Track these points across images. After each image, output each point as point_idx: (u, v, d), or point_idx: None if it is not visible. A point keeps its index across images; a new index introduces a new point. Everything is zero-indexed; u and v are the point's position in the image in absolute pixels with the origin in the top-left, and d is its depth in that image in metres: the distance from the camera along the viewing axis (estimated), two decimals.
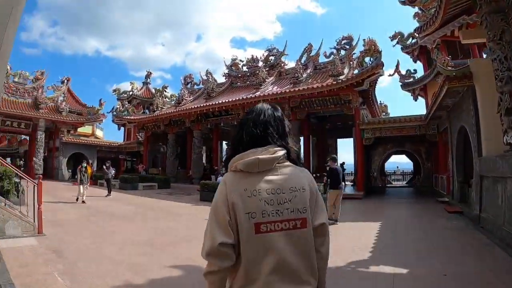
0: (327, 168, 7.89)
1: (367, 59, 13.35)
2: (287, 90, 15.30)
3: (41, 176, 6.36)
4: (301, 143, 15.83)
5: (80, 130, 27.27)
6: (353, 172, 18.48)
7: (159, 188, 17.04)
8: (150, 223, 7.49)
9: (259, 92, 16.71)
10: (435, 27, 7.82)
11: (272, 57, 20.77)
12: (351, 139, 15.88)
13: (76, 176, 11.72)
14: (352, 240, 5.65)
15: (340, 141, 21.79)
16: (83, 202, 10.46)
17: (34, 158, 21.87)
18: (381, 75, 13.19)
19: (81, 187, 10.76)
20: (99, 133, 32.85)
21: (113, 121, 27.62)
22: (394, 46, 18.53)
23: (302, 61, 18.94)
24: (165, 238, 5.79)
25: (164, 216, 8.55)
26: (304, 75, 16.67)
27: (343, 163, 22.66)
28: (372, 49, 13.00)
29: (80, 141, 25.12)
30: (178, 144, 21.93)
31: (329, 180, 7.49)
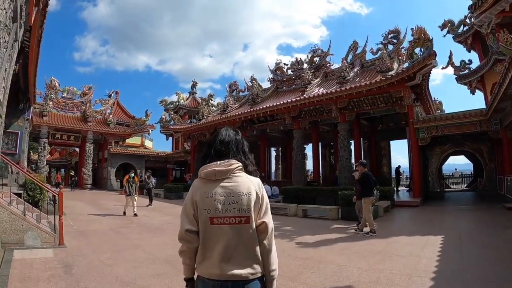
0: (357, 175, 7.34)
1: (417, 50, 12.29)
2: (333, 90, 14.43)
3: (61, 186, 6.22)
4: (352, 146, 15.04)
5: (129, 141, 28.74)
6: (408, 176, 16.95)
7: None
8: None
9: (305, 95, 16.03)
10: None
11: (316, 58, 20.17)
12: (405, 141, 15.29)
13: (124, 187, 11.15)
14: (409, 262, 4.56)
15: (393, 143, 20.35)
16: (135, 215, 9.78)
17: (83, 169, 23.44)
18: (434, 66, 11.93)
19: (129, 199, 10.24)
20: (148, 143, 34.59)
21: (161, 131, 28.38)
22: (444, 36, 16.94)
23: (348, 59, 18.05)
24: None
25: None
26: (351, 74, 15.80)
27: (399, 166, 20.47)
28: (421, 38, 11.89)
29: (128, 151, 26.22)
30: None
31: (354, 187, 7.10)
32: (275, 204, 11.73)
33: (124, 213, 9.98)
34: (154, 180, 14.57)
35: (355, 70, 16.51)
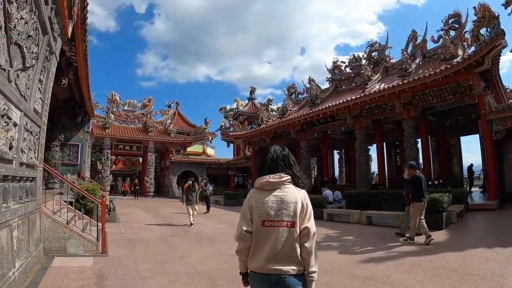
0: (405, 178, 7.07)
1: (482, 31, 11.34)
2: (395, 84, 13.48)
3: (105, 194, 6.48)
4: (419, 145, 14.04)
5: (190, 149, 30.21)
6: (479, 176, 15.84)
7: None
8: (232, 246, 6.68)
9: (365, 92, 15.23)
10: None
11: (375, 53, 19.37)
12: (475, 137, 14.71)
13: (182, 195, 10.91)
14: (492, 284, 3.73)
15: (463, 140, 18.32)
16: (191, 224, 9.46)
17: (146, 177, 25.19)
18: (504, 47, 10.50)
19: (189, 207, 9.80)
20: (210, 151, 36.06)
21: (221, 138, 29.52)
22: (510, 14, 14.37)
23: (408, 51, 17.06)
24: (236, 271, 4.82)
25: None
26: (413, 66, 14.92)
27: (471, 165, 18.54)
28: (486, 17, 10.87)
29: (189, 159, 27.61)
30: None
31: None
32: (336, 210, 11.17)
33: (191, 224, 9.47)
34: (211, 187, 14.95)
35: (417, 61, 15.57)
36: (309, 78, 22.57)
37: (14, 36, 3.17)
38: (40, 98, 4.70)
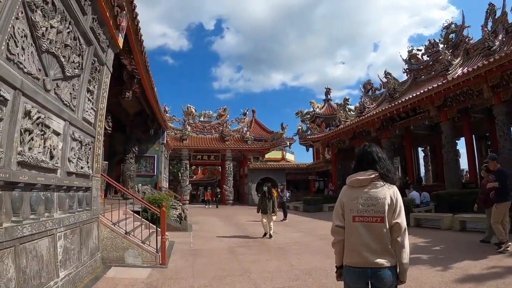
0: (485, 174, 6.50)
1: None
2: (481, 65, 11.78)
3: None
4: None
5: (269, 155, 30.68)
6: None
7: None
8: (304, 259, 6.11)
9: (448, 78, 13.75)
10: None
11: (452, 35, 17.95)
12: None
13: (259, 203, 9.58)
14: None
15: None
16: (270, 236, 8.69)
17: (225, 186, 26.13)
18: None
19: (265, 217, 8.89)
20: (289, 156, 36.36)
21: (299, 142, 29.50)
22: None
23: (488, 27, 15.26)
24: None
25: (328, 248, 7.01)
26: (496, 43, 13.37)
27: None
28: None
29: (267, 166, 27.96)
30: None
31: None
32: (424, 215, 10.09)
33: (264, 234, 8.88)
34: (288, 194, 14.85)
35: (500, 37, 13.87)
36: (385, 71, 21.68)
37: (44, 45, 3.27)
38: (92, 108, 4.95)
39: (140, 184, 12.10)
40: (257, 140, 28.45)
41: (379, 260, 1.71)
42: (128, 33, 6.68)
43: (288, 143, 29.22)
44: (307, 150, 31.35)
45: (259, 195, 23.59)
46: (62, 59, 3.73)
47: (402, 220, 1.75)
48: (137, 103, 11.56)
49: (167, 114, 25.98)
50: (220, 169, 30.51)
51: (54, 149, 3.58)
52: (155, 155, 15.57)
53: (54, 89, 3.67)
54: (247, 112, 30.76)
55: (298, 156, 38.91)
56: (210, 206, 24.02)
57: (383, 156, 1.94)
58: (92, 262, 4.64)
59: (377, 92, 23.59)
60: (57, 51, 3.59)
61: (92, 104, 4.97)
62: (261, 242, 8.18)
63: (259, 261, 6.05)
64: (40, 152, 3.27)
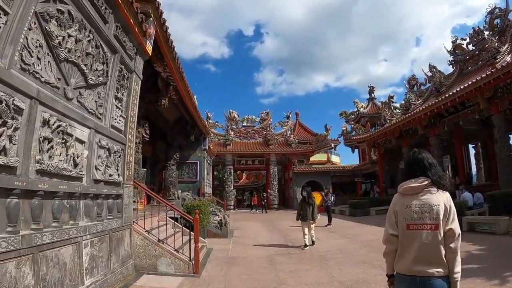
0: None
1: None
2: None
3: (197, 212, 6.40)
4: None
5: (314, 158, 30.32)
6: None
7: None
8: (346, 269, 5.73)
9: (497, 66, 12.57)
10: None
11: (497, 20, 16.68)
12: None
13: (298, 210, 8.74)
14: None
15: None
16: (312, 243, 8.08)
17: (269, 190, 26.01)
18: None
19: (305, 225, 8.15)
20: (335, 159, 35.73)
21: (344, 144, 29.13)
22: None
23: None
24: None
25: (373, 257, 6.49)
26: None
27: None
28: None
29: (312, 169, 27.50)
30: None
31: None
32: (478, 218, 9.43)
33: (305, 245, 8.00)
34: (332, 197, 14.57)
35: None
36: (429, 65, 20.76)
37: (62, 54, 3.36)
38: (121, 115, 5.07)
39: (180, 191, 12.39)
40: (301, 143, 28.21)
41: (430, 269, 1.72)
42: (158, 40, 6.81)
43: (332, 145, 28.86)
44: (353, 151, 30.88)
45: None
46: (84, 68, 3.84)
47: (455, 226, 1.78)
48: (176, 110, 11.87)
49: (210, 121, 26.83)
50: (264, 174, 30.66)
51: (77, 157, 3.66)
52: (197, 161, 15.89)
53: (77, 97, 3.78)
54: (290, 115, 30.53)
55: (343, 158, 38.30)
56: (256, 211, 23.96)
57: (433, 162, 1.94)
58: (123, 270, 4.70)
59: (423, 87, 22.86)
60: (78, 60, 3.68)
61: (121, 111, 5.10)
62: (302, 250, 7.83)
63: (298, 271, 5.75)
64: (61, 160, 3.35)
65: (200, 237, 8.06)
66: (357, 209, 16.39)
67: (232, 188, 26.26)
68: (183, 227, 8.01)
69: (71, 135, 3.56)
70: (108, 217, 4.46)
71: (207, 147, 16.80)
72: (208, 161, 18.46)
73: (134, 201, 7.92)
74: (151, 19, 5.97)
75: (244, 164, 28.39)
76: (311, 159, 29.89)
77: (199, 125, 14.41)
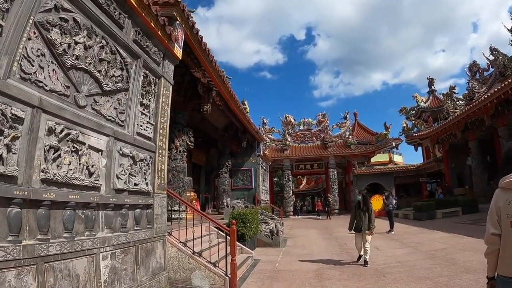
0: None
1: None
2: None
3: (234, 223, 6.01)
4: None
5: (375, 159, 29.42)
6: None
7: (463, 214, 14.82)
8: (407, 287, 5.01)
9: None
10: None
11: None
12: None
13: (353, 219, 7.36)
14: None
15: None
16: (365, 263, 6.65)
17: (329, 195, 25.35)
18: None
19: (358, 237, 7.05)
20: (397, 158, 34.47)
21: (406, 142, 28.08)
22: None
23: None
24: None
25: (438, 272, 5.60)
26: None
27: None
28: None
29: (373, 170, 26.34)
30: (484, 151, 19.22)
31: None
32: None
33: (358, 257, 7.11)
34: (394, 201, 13.60)
35: None
36: (490, 48, 19.98)
37: (69, 61, 3.42)
38: (149, 122, 5.11)
39: (229, 199, 12.38)
40: (360, 144, 27.67)
41: None
42: (191, 44, 6.85)
43: (393, 143, 27.97)
44: (416, 149, 29.54)
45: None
46: (97, 74, 3.89)
47: None
48: (223, 116, 11.96)
49: (266, 126, 27.91)
50: (324, 178, 30.33)
51: (92, 166, 3.68)
52: (252, 168, 16.00)
53: (91, 104, 3.83)
54: (348, 116, 29.96)
55: (406, 157, 37.16)
56: (320, 217, 23.13)
57: None
58: (154, 282, 4.65)
59: (485, 73, 22.17)
60: (89, 66, 3.74)
61: (149, 118, 5.13)
62: (356, 263, 7.05)
63: None
64: (71, 170, 3.38)
65: (247, 248, 7.89)
66: (422, 212, 15.25)
67: (291, 194, 26.24)
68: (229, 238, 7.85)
69: (83, 143, 3.60)
70: (135, 227, 4.46)
71: (261, 153, 16.81)
72: (264, 167, 18.39)
73: (176, 210, 8.07)
74: (178, 22, 6.00)
75: (303, 169, 28.33)
76: (372, 160, 29.17)
77: (250, 131, 14.36)
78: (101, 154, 3.92)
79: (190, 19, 6.35)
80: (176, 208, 8.76)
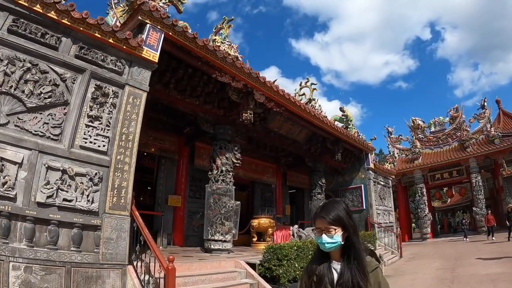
0: None
1: None
2: None
3: (171, 259, 5.35)
4: None
5: None
6: None
7: None
8: None
9: None
10: None
11: None
12: None
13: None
14: None
15: None
16: None
17: (474, 208, 23.21)
18: None
19: None
20: None
21: None
22: None
23: None
24: None
25: None
26: None
27: None
28: None
29: None
30: None
31: None
32: None
33: None
34: None
35: None
36: None
37: None
38: (99, 134, 5.64)
39: (296, 226, 11.82)
40: (506, 136, 23.99)
41: None
42: (185, 46, 7.39)
43: None
44: None
45: None
46: (20, 94, 4.91)
47: None
48: (296, 126, 11.91)
49: (392, 136, 28.86)
50: (468, 187, 27.90)
51: (4, 177, 4.69)
52: (362, 185, 15.48)
53: (14, 121, 4.90)
54: (485, 103, 27.20)
55: None
56: (467, 239, 20.26)
57: None
58: None
59: None
60: (9, 89, 4.82)
61: (101, 130, 5.87)
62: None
63: None
64: None
65: None
66: None
67: (426, 212, 24.86)
68: (261, 278, 7.16)
69: None
70: (71, 248, 4.98)
71: (370, 165, 16.12)
72: (381, 182, 17.43)
73: (218, 240, 8.58)
74: (149, 24, 6.73)
75: (439, 179, 26.86)
76: None
77: (343, 140, 13.70)
78: (20, 167, 4.87)
79: (166, 18, 6.95)
80: (217, 237, 9.16)
